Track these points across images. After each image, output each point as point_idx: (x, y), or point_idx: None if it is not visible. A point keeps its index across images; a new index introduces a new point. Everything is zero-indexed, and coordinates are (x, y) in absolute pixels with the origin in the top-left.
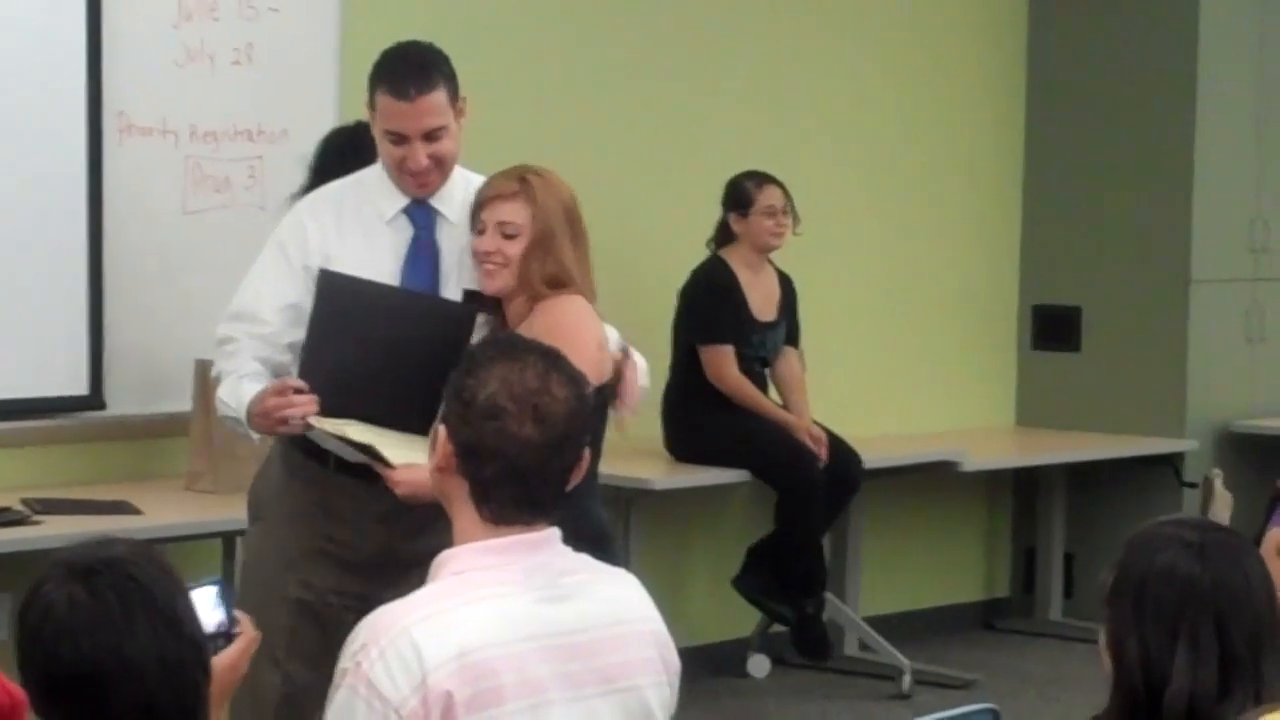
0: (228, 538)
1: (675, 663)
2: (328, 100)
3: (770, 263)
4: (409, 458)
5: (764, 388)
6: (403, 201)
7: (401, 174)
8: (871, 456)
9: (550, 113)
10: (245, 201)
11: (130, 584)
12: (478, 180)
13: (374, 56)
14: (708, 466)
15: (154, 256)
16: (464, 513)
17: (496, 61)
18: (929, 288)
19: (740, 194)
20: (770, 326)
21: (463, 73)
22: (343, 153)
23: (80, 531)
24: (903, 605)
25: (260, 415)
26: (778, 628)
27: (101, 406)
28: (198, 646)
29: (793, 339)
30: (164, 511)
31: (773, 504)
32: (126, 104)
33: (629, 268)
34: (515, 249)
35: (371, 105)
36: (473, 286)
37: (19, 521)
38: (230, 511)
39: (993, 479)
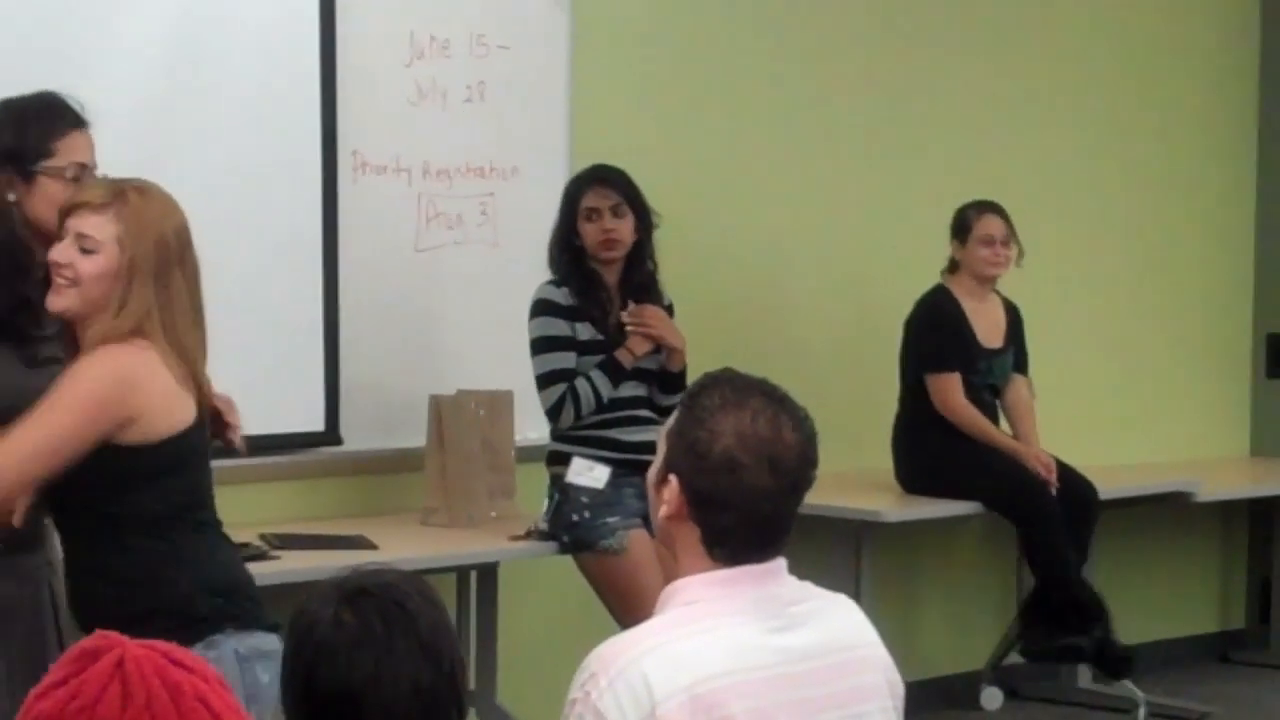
0: (462, 572)
1: (900, 686)
2: (559, 137)
3: (996, 291)
4: None
5: (994, 417)
6: None
7: None
8: (1105, 487)
9: (776, 146)
10: (477, 239)
11: (395, 610)
12: None
13: (604, 92)
14: (939, 498)
15: (388, 293)
16: (693, 553)
17: (719, 96)
18: (1161, 316)
19: (961, 222)
20: (997, 353)
21: (686, 105)
22: None
23: (317, 566)
24: (1137, 637)
25: None
26: (1011, 659)
27: (338, 442)
28: (454, 680)
29: (1021, 367)
30: (399, 546)
31: (1005, 535)
32: (361, 142)
33: (856, 300)
34: (90, 267)
35: None
36: None
37: (258, 556)
38: (465, 546)
39: (1227, 509)
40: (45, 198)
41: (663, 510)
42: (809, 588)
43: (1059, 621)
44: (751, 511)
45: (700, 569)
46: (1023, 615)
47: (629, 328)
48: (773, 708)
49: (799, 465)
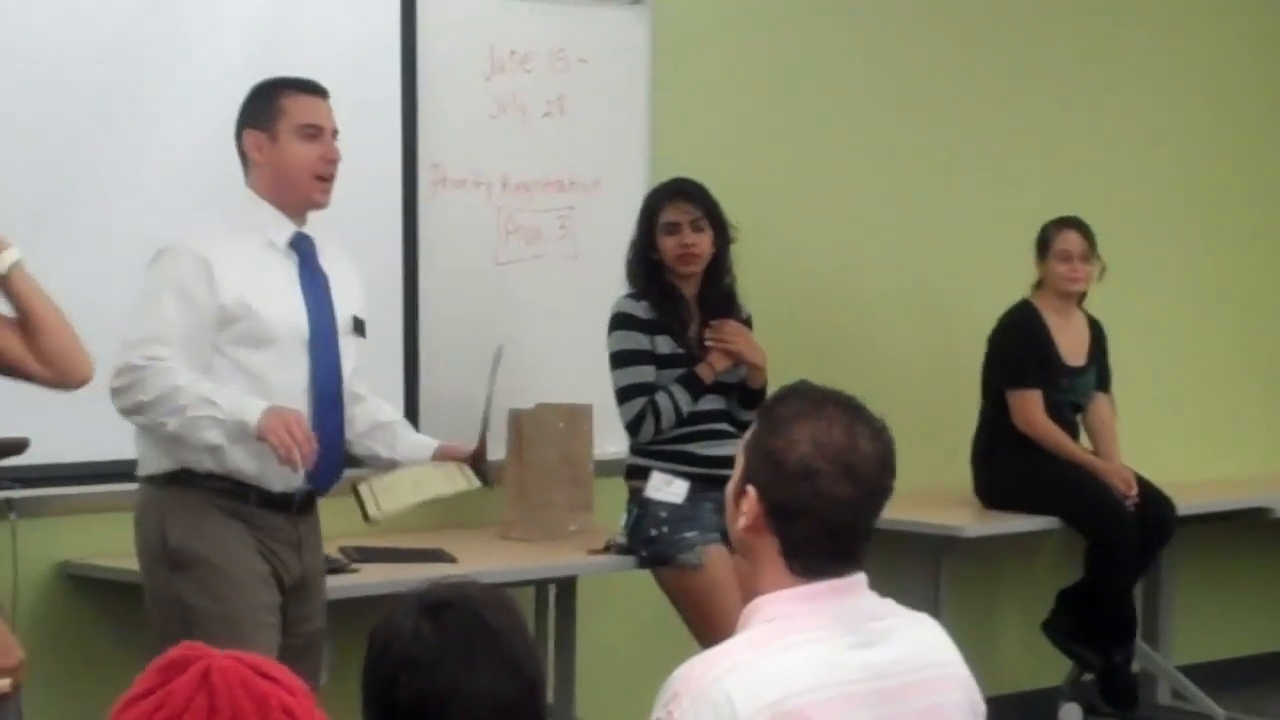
0: (540, 586)
1: (981, 705)
2: (639, 150)
3: (1080, 308)
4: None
5: (1076, 434)
6: (291, 229)
7: (314, 177)
8: (1184, 503)
9: (857, 160)
10: (557, 252)
11: (476, 622)
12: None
13: (684, 107)
14: (1018, 514)
15: (467, 307)
16: (772, 566)
17: (799, 109)
18: (1240, 331)
19: (1042, 237)
20: (1080, 371)
21: (765, 118)
22: None
23: (396, 579)
24: (1216, 654)
25: (283, 436)
26: (1089, 676)
27: None
28: (534, 693)
29: (1104, 384)
30: (478, 559)
31: (1083, 551)
32: (441, 156)
33: (937, 315)
34: None
35: (271, 118)
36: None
37: (338, 569)
38: (544, 559)
39: None
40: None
41: (741, 521)
42: (889, 604)
43: (1088, 628)
44: (829, 520)
45: (780, 583)
46: (1060, 597)
47: (709, 343)
48: None
49: (877, 473)
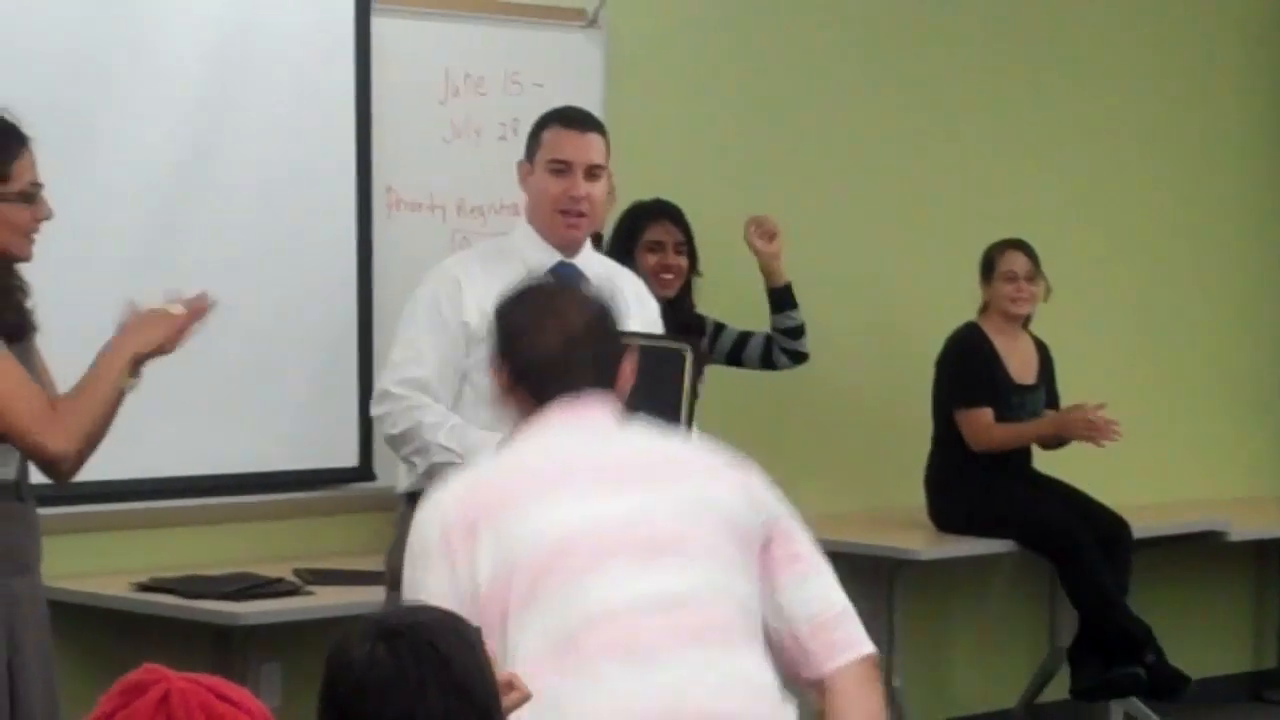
0: None
1: (754, 488)
2: None
3: (1027, 330)
4: None
5: (1029, 454)
6: (554, 258)
7: (556, 211)
8: (1137, 526)
9: (806, 184)
10: None
11: (428, 650)
12: (612, 264)
13: (637, 129)
14: (972, 536)
15: None
16: (524, 410)
17: (751, 133)
18: (1191, 355)
19: (986, 259)
20: (1030, 389)
21: (718, 140)
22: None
23: (350, 602)
24: None
25: None
26: (1044, 698)
27: (371, 478)
28: (487, 716)
29: (1053, 406)
30: None
31: (1037, 574)
32: (395, 179)
33: (888, 338)
34: None
35: (534, 150)
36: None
37: (291, 592)
38: None
39: (1260, 548)
40: (6, 224)
41: (498, 391)
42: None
43: (1109, 654)
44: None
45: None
46: (1071, 655)
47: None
48: (570, 481)
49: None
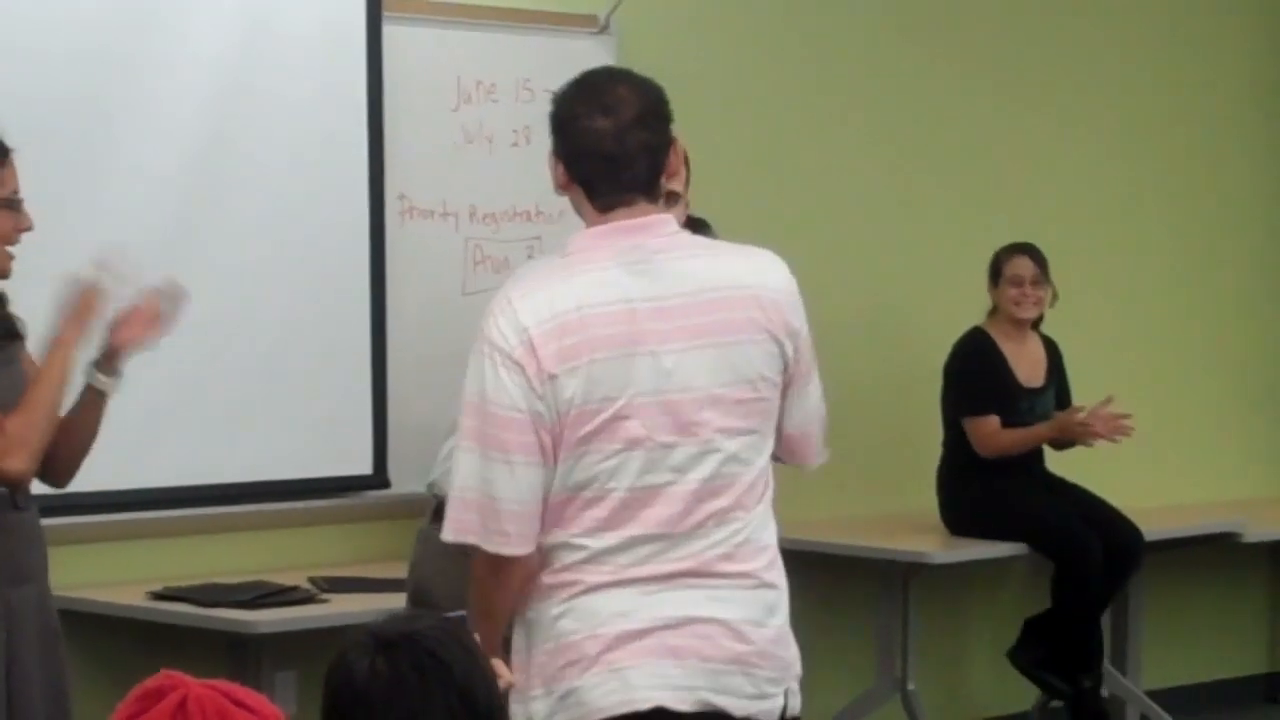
0: None
1: (790, 323)
2: None
3: (1035, 331)
4: None
5: (1040, 454)
6: None
7: None
8: (1151, 529)
9: (814, 189)
10: None
11: (429, 660)
12: None
13: None
14: (984, 540)
15: (435, 337)
16: (585, 209)
17: (759, 135)
18: (1206, 355)
19: (994, 264)
20: (1039, 392)
21: (727, 144)
22: None
23: (366, 610)
24: (1185, 678)
25: None
26: (1059, 702)
27: (385, 485)
28: (491, 718)
29: (1063, 404)
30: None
31: (1050, 577)
32: (408, 186)
33: (900, 342)
34: None
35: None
36: None
37: (306, 600)
38: None
39: (1275, 550)
40: None
41: (556, 186)
42: (689, 240)
43: (1055, 656)
44: (597, 149)
45: (592, 220)
46: (1027, 625)
47: None
48: (633, 333)
49: (632, 103)
